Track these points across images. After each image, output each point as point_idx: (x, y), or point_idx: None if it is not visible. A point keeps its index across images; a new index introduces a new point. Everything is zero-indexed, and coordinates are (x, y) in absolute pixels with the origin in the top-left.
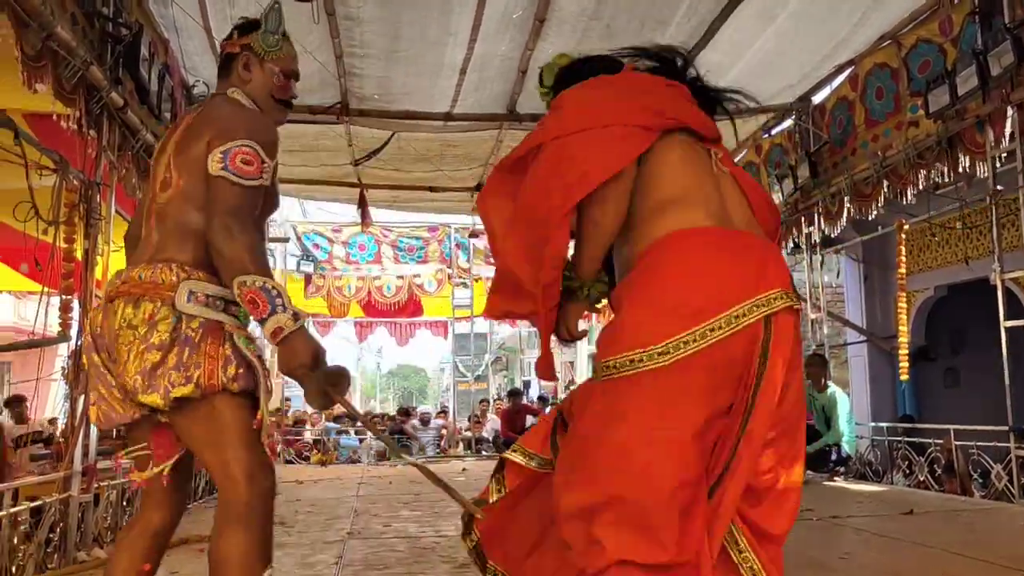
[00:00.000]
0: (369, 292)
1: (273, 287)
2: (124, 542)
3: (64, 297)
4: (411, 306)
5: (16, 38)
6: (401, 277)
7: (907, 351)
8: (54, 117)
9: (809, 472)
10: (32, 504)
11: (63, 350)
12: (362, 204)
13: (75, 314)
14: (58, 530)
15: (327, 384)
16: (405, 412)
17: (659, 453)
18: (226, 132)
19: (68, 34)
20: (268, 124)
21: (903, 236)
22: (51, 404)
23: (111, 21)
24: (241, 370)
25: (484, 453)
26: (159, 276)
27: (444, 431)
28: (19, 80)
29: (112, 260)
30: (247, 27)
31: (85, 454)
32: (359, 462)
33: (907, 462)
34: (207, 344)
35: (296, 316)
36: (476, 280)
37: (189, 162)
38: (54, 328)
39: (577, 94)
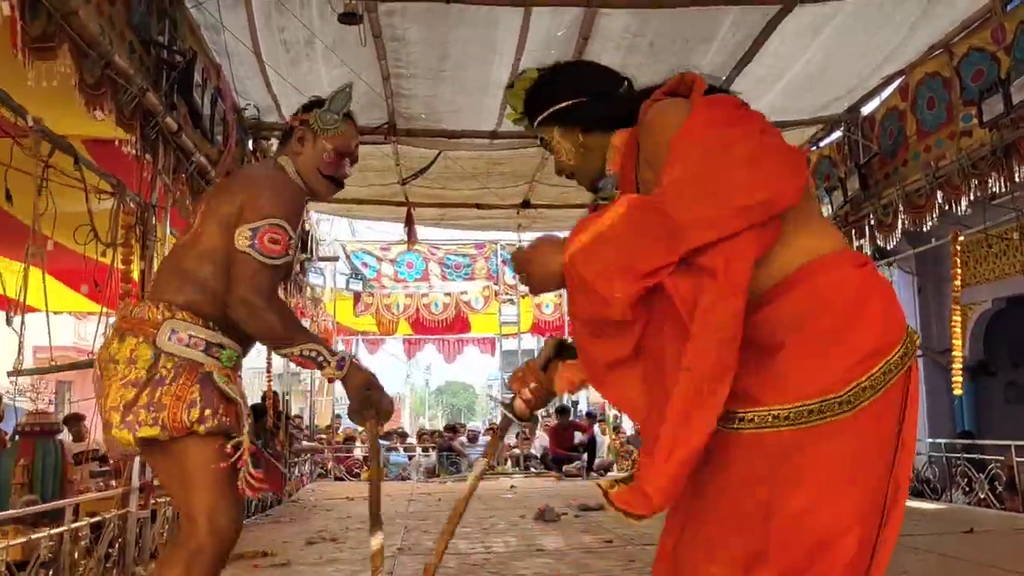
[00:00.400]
0: (417, 309)
1: (311, 349)
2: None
3: None
4: (459, 323)
5: (76, 67)
6: (448, 294)
7: (961, 365)
8: (116, 143)
9: None
10: (92, 520)
11: None
12: (409, 222)
13: None
14: (117, 545)
15: (367, 407)
16: (452, 429)
17: (843, 525)
18: (258, 205)
19: (125, 62)
20: (296, 196)
21: (958, 248)
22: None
23: (166, 48)
24: (208, 411)
25: (533, 470)
26: (146, 313)
27: None
28: (77, 108)
29: None
30: (313, 105)
31: (142, 471)
32: (408, 479)
33: (966, 479)
34: (177, 385)
35: (341, 363)
36: (523, 297)
37: (216, 217)
38: None
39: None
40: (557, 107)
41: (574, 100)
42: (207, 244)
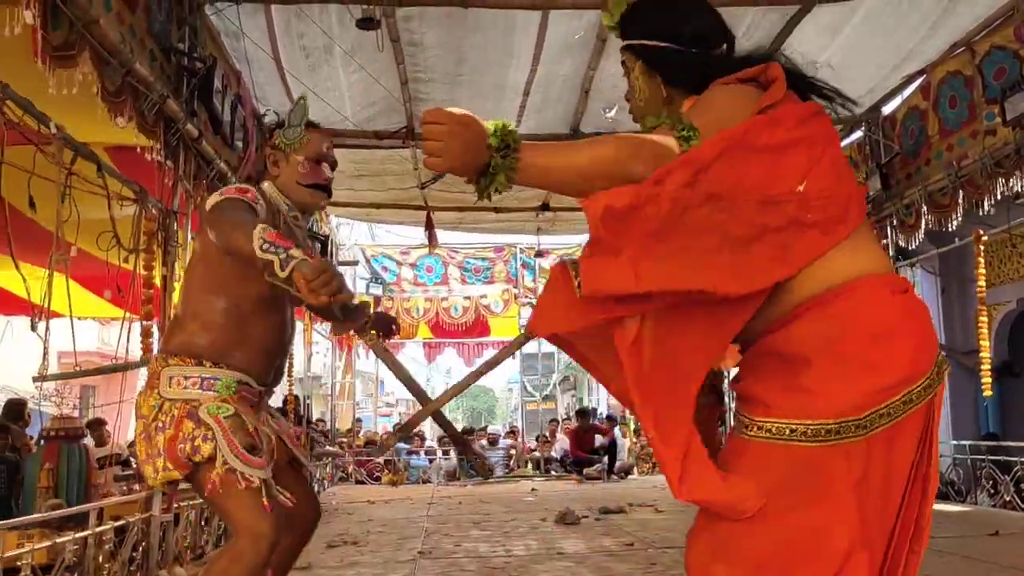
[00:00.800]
0: (437, 313)
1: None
2: None
3: (144, 322)
4: (478, 327)
5: (97, 75)
6: (468, 298)
7: (989, 367)
8: (137, 150)
9: None
10: (116, 523)
11: (144, 373)
12: (428, 226)
13: (155, 339)
14: (140, 548)
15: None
16: (468, 432)
17: (849, 548)
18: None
19: (146, 70)
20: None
21: (981, 248)
22: (133, 426)
23: (186, 55)
24: (198, 442)
25: (553, 473)
26: (153, 367)
27: (512, 451)
28: (99, 115)
29: None
30: (275, 128)
31: None
32: (429, 482)
33: (992, 481)
34: (172, 428)
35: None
36: None
37: (193, 256)
38: (136, 352)
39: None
40: (647, 43)
41: (666, 44)
42: (189, 279)
